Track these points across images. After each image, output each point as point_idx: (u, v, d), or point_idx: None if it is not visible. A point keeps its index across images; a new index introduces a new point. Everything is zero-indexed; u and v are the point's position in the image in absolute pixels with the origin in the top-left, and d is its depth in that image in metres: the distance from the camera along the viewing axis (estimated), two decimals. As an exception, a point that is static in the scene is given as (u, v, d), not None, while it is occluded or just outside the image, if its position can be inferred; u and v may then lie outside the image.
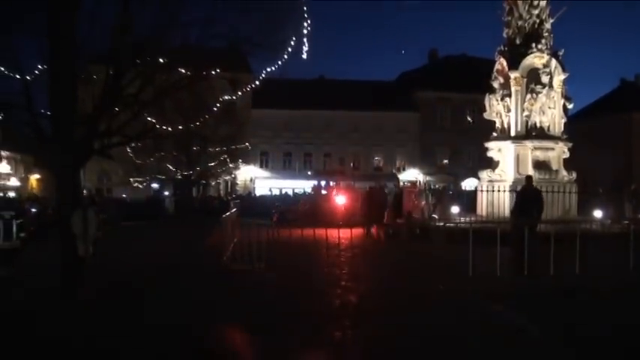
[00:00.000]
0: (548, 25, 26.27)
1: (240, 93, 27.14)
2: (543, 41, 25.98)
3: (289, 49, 15.61)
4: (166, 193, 50.90)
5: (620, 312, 10.65)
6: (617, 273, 13.31)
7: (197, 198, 51.17)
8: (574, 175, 25.79)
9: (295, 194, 47.28)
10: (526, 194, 16.09)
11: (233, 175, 60.41)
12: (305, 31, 15.75)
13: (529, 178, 17.27)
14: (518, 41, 26.28)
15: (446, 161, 68.08)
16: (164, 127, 20.50)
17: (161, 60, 13.81)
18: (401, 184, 44.63)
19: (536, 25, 26.13)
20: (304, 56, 16.10)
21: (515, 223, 14.96)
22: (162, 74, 14.74)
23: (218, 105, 24.75)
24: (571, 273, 13.22)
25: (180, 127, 25.55)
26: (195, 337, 9.21)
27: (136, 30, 13.55)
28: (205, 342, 8.98)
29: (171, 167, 47.97)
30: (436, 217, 24.02)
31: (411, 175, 63.86)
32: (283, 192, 55.05)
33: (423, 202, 26.17)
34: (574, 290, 12.21)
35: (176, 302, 11.63)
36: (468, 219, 22.35)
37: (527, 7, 26.16)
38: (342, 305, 11.51)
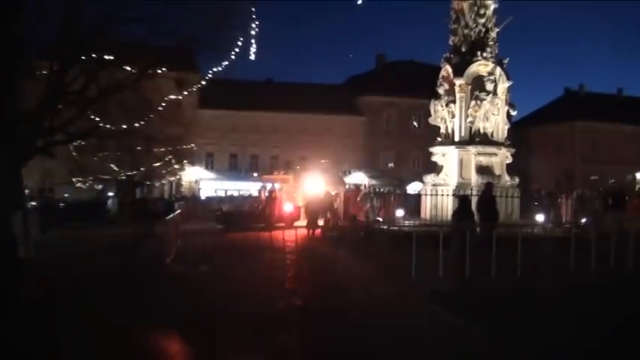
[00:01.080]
0: (493, 34, 26.65)
1: (186, 93, 26.87)
2: (489, 49, 26.36)
3: (237, 50, 15.59)
4: (110, 193, 50.02)
5: (560, 314, 10.88)
6: (558, 276, 13.61)
7: (141, 199, 50.40)
8: (516, 179, 26.27)
9: (241, 196, 47.04)
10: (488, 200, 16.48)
11: (178, 176, 59.79)
12: (253, 32, 15.75)
13: (489, 184, 17.61)
14: (463, 49, 26.63)
15: (391, 165, 68.65)
16: (108, 126, 20.17)
17: (106, 57, 13.61)
18: (346, 187, 44.80)
19: (482, 34, 26.50)
20: (252, 57, 16.09)
21: (458, 226, 15.16)
22: (108, 72, 14.54)
23: (163, 104, 24.48)
24: (513, 276, 13.45)
25: (125, 127, 25.14)
26: (133, 339, 9.08)
27: (82, 25, 13.35)
28: (142, 344, 8.86)
29: (114, 167, 47.20)
30: (380, 220, 24.19)
31: (357, 178, 64.14)
32: (229, 194, 54.68)
33: (368, 206, 26.35)
34: (515, 292, 12.46)
35: (116, 304, 11.45)
36: (412, 222, 22.57)
37: (473, 16, 26.50)
38: (284, 308, 11.50)
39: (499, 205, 22.64)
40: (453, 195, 23.11)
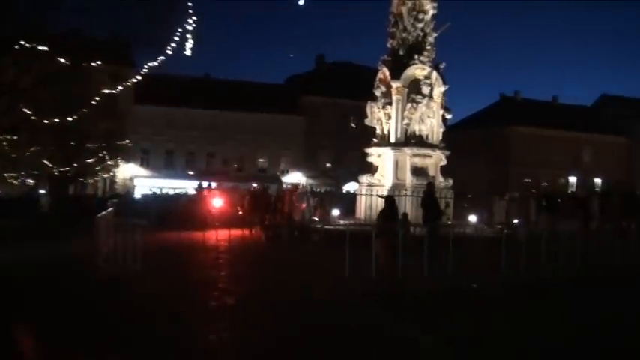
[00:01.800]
0: (431, 39, 27.06)
1: (121, 87, 26.27)
2: (426, 54, 26.73)
3: (173, 45, 15.38)
4: (42, 191, 48.78)
5: (492, 311, 11.13)
6: (489, 274, 13.90)
7: (74, 196, 49.31)
8: (450, 181, 26.70)
9: (177, 195, 46.52)
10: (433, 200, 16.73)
11: (112, 174, 58.70)
12: (190, 28, 15.56)
13: (430, 184, 17.87)
14: (401, 52, 26.95)
15: (329, 165, 68.96)
16: (40, 120, 19.68)
17: (40, 47, 13.26)
18: (283, 186, 44.85)
19: (419, 38, 26.87)
20: (188, 52, 15.88)
21: (384, 226, 15.31)
22: (41, 63, 14.18)
23: (98, 98, 23.98)
24: (444, 274, 13.67)
25: (58, 120, 24.56)
26: (54, 335, 8.90)
27: (14, 13, 12.99)
28: (68, 342, 8.68)
29: (47, 163, 46.03)
30: (316, 219, 24.30)
31: (295, 177, 64.27)
32: (164, 192, 53.97)
33: (304, 205, 26.42)
34: (446, 291, 12.70)
35: (45, 302, 11.20)
36: (347, 222, 22.72)
37: (412, 21, 26.84)
38: (215, 307, 11.42)
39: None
40: (378, 196, 23.36)
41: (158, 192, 52.47)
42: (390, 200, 16.45)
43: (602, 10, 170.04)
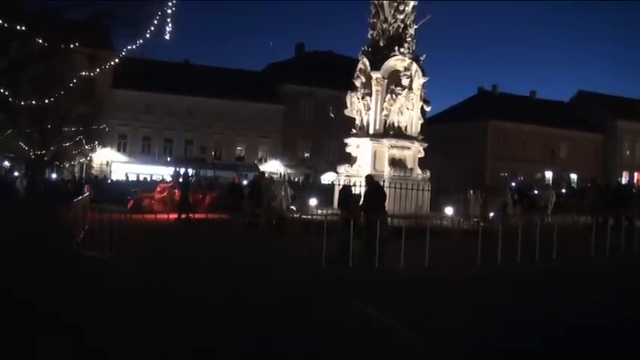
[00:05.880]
0: (411, 31, 27.12)
1: (98, 70, 25.91)
2: (406, 45, 26.79)
3: (152, 28, 15.22)
4: (16, 173, 48.30)
5: (465, 301, 11.23)
6: (463, 266, 14.00)
7: (50, 180, 48.87)
8: (428, 173, 26.87)
9: (153, 181, 46.25)
10: (373, 191, 16.64)
11: (89, 158, 58.27)
12: (169, 11, 15.40)
13: (368, 176, 17.68)
14: (382, 43, 26.99)
15: (307, 154, 68.94)
16: (17, 101, 19.44)
17: (18, 27, 13.06)
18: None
19: (400, 30, 26.93)
20: (167, 37, 15.73)
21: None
22: (19, 43, 14.00)
23: (75, 81, 23.70)
24: (421, 265, 13.71)
25: (34, 102, 24.29)
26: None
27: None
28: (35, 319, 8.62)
29: (23, 145, 45.56)
30: (294, 208, 24.27)
31: (273, 166, 64.19)
32: (141, 178, 53.64)
33: (282, 194, 26.37)
34: (422, 280, 12.78)
35: (18, 285, 11.13)
36: (324, 211, 22.71)
37: (392, 12, 26.90)
38: (188, 296, 11.36)
39: (408, 198, 23.24)
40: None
41: (135, 177, 52.16)
42: (342, 189, 16.80)
43: (582, 8, 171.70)
